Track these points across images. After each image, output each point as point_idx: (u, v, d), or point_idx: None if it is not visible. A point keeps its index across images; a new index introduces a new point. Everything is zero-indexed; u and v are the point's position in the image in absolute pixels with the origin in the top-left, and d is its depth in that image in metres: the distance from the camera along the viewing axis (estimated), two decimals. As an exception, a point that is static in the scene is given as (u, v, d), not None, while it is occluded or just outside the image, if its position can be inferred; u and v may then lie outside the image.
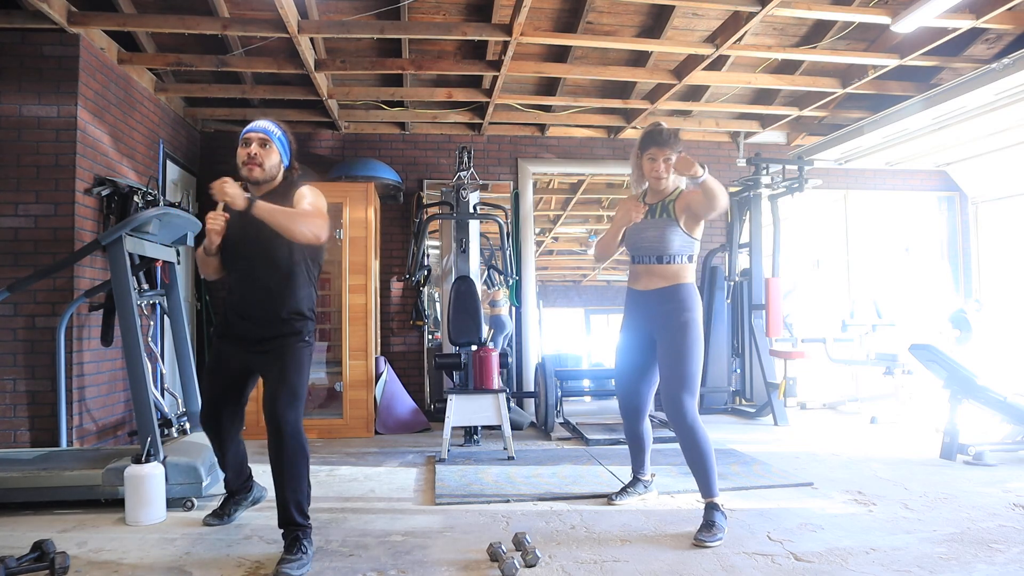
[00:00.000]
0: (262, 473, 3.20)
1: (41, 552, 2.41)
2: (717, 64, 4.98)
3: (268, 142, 2.65)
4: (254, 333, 2.68)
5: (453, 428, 4.30)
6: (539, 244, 10.41)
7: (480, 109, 5.93)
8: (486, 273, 6.04)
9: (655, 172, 2.93)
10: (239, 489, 3.04)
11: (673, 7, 4.34)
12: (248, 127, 2.70)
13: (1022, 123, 5.26)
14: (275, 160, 2.67)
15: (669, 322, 2.89)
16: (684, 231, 2.93)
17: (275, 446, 2.54)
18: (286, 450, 2.52)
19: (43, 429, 3.87)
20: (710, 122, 6.38)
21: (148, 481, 2.98)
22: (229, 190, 2.44)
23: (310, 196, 2.65)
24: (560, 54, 5.04)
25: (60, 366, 3.78)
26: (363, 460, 4.32)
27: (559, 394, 5.37)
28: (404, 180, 6.14)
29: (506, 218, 5.86)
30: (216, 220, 2.58)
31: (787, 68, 5.30)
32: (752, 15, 4.05)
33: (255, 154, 2.62)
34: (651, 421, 3.27)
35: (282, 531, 2.53)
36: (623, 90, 5.73)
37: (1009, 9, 4.06)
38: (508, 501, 3.28)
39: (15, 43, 3.98)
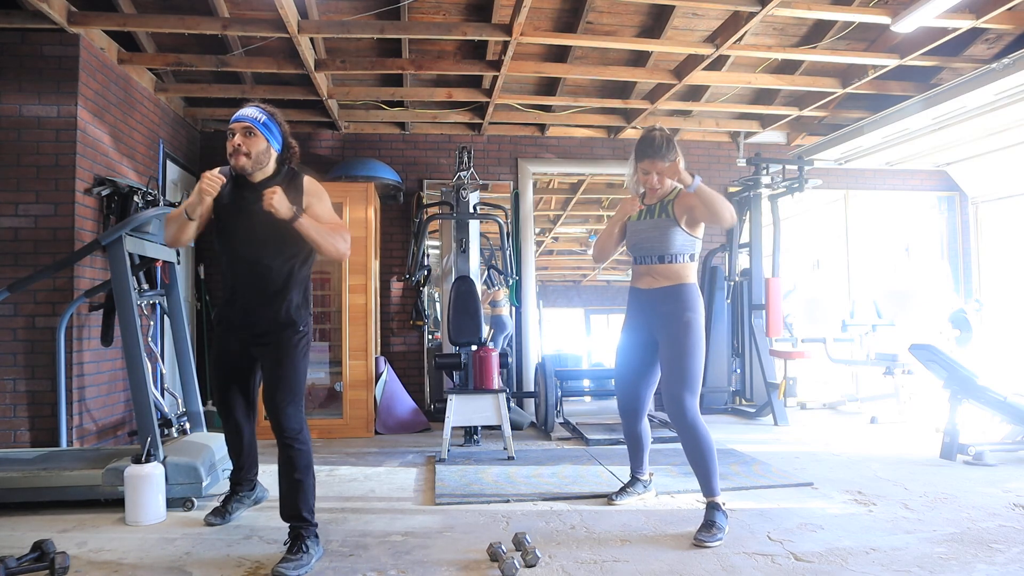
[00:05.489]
0: (263, 472, 3.22)
1: (41, 552, 2.41)
2: (717, 64, 4.98)
3: (252, 130, 2.61)
4: (251, 327, 2.69)
5: (453, 428, 4.30)
6: (539, 244, 10.41)
7: (480, 109, 5.93)
8: (486, 273, 6.04)
9: (648, 184, 2.96)
10: (242, 481, 3.05)
11: (673, 7, 4.34)
12: (234, 116, 2.66)
13: (1022, 123, 5.26)
14: (262, 147, 2.63)
15: (671, 321, 2.89)
16: (685, 231, 2.92)
17: (278, 442, 2.58)
18: (288, 444, 2.56)
19: (43, 429, 3.87)
20: (710, 122, 6.38)
21: (148, 481, 2.98)
22: (277, 202, 2.45)
23: (328, 203, 2.68)
24: (560, 54, 5.04)
25: (60, 366, 3.78)
26: (363, 460, 4.32)
27: (559, 394, 5.37)
28: (404, 180, 6.14)
29: (506, 218, 5.86)
30: (213, 181, 2.52)
31: (787, 68, 5.30)
32: (752, 15, 4.05)
33: (239, 144, 2.60)
34: (650, 421, 3.27)
35: (288, 529, 2.54)
36: (623, 90, 5.73)
37: (1009, 9, 4.06)
38: (508, 501, 3.27)
39: (15, 43, 3.97)
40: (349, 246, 2.66)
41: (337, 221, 2.69)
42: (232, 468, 3.07)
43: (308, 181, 2.70)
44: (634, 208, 3.00)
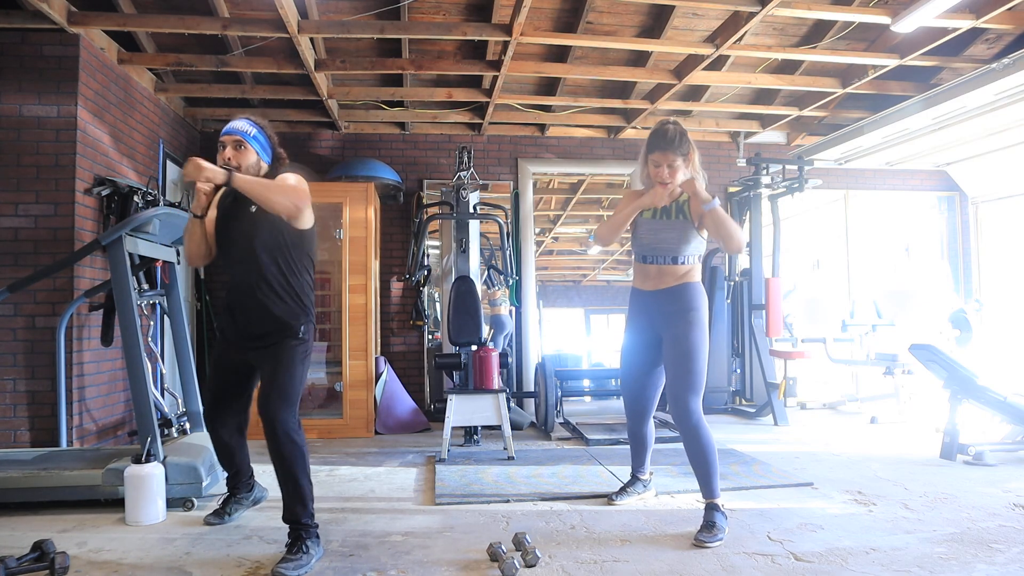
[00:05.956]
0: (262, 473, 3.22)
1: (41, 552, 2.41)
2: (717, 64, 4.98)
3: (242, 143, 2.64)
4: (249, 331, 2.70)
5: (453, 428, 4.30)
6: (539, 244, 10.41)
7: (480, 109, 5.93)
8: (486, 273, 6.04)
9: (659, 178, 2.87)
10: (240, 487, 3.05)
11: (673, 7, 4.34)
12: (224, 128, 2.68)
13: (1022, 123, 5.26)
14: (252, 160, 2.66)
15: (677, 320, 2.87)
16: (698, 232, 2.92)
17: (271, 446, 2.57)
18: (281, 449, 2.55)
19: (43, 429, 3.87)
20: (710, 122, 6.38)
21: (148, 481, 2.98)
22: (206, 168, 2.45)
23: (292, 177, 2.65)
24: (560, 54, 5.04)
25: (60, 366, 3.78)
26: (363, 460, 4.32)
27: (559, 394, 5.37)
28: (404, 180, 6.14)
29: (506, 218, 5.86)
30: (202, 170, 2.51)
31: (787, 68, 5.30)
32: (752, 15, 4.05)
33: (229, 158, 2.62)
34: (652, 421, 3.27)
35: (288, 530, 2.54)
36: (623, 90, 5.73)
37: (1009, 9, 4.06)
38: (508, 501, 3.27)
39: (15, 43, 3.98)
40: (302, 201, 2.56)
41: (290, 183, 2.59)
42: (227, 475, 3.07)
43: (285, 173, 2.66)
44: (661, 200, 2.86)
